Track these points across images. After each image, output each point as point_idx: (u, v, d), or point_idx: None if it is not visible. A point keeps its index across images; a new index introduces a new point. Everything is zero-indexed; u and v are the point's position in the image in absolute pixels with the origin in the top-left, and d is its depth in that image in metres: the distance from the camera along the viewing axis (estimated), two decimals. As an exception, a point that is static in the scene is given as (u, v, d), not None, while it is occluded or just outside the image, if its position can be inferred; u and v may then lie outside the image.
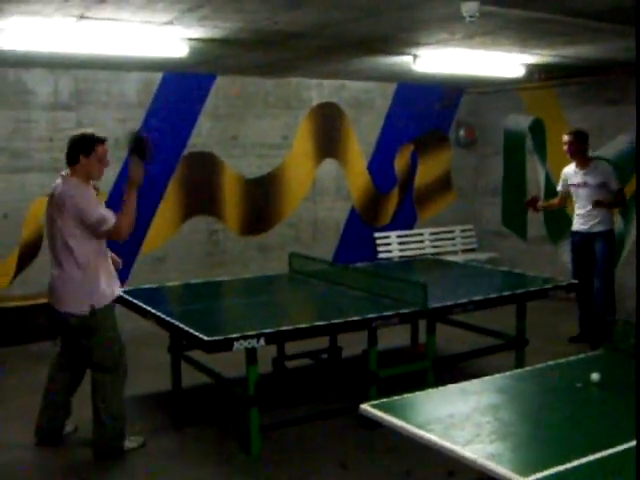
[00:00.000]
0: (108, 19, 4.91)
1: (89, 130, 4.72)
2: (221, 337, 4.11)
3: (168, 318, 4.64)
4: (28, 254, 7.43)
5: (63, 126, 7.51)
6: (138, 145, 4.65)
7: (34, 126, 7.41)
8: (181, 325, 4.41)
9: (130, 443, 4.72)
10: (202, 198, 8.27)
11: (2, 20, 4.91)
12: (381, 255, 9.31)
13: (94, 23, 5.01)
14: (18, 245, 7.37)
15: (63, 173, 4.60)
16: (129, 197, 4.55)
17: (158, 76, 7.89)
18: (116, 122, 7.72)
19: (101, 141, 4.58)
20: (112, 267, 4.73)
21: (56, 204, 4.47)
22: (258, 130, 8.55)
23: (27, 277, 7.42)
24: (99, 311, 4.52)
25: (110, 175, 7.70)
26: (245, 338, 4.13)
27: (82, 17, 4.83)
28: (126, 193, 4.58)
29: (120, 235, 4.52)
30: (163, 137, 7.97)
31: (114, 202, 7.65)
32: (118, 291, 4.74)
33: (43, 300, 7.17)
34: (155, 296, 5.65)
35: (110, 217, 4.45)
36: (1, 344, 7.18)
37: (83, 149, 4.51)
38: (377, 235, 9.40)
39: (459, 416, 2.91)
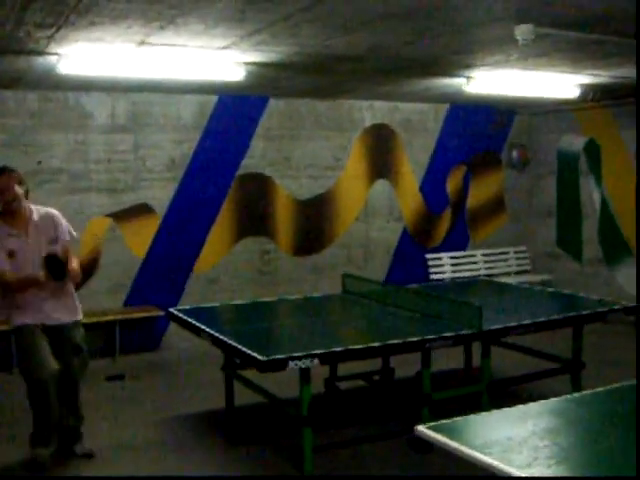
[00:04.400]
0: (167, 44, 5.02)
1: None
2: (276, 357, 4.15)
3: (223, 337, 4.68)
4: (85, 272, 7.56)
5: (120, 148, 7.69)
6: (52, 267, 4.62)
7: (92, 148, 7.60)
8: (236, 344, 4.45)
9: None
10: (255, 219, 8.36)
11: (65, 46, 5.07)
12: (433, 276, 9.27)
13: (154, 49, 5.14)
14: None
15: None
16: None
17: (213, 98, 8.03)
18: (172, 144, 7.88)
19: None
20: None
21: None
22: (310, 151, 8.63)
23: (83, 295, 7.54)
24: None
25: (164, 196, 7.87)
26: (299, 358, 4.16)
27: (142, 43, 4.95)
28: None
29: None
30: (217, 158, 8.10)
31: (169, 222, 7.85)
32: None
33: (97, 318, 7.39)
34: (209, 315, 5.70)
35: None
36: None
37: None
38: (429, 256, 9.37)
39: (516, 439, 2.88)
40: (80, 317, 4.95)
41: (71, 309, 4.87)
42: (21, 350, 4.78)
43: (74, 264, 4.71)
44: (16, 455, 4.95)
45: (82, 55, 5.34)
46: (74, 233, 4.96)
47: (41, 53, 5.31)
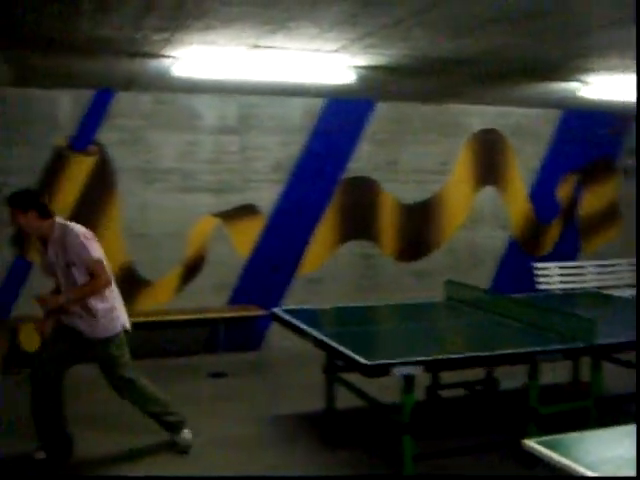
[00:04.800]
0: (279, 48, 5.07)
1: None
2: (380, 362, 4.11)
3: (327, 340, 4.68)
4: (191, 270, 7.77)
5: (228, 149, 7.84)
6: None
7: (202, 149, 7.77)
8: (340, 348, 4.44)
9: None
10: (359, 222, 8.35)
11: (179, 49, 5.19)
12: (540, 286, 9.00)
13: (265, 52, 5.20)
14: (181, 262, 7.71)
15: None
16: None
17: (320, 101, 8.06)
18: (279, 146, 7.97)
19: None
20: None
21: None
22: (417, 156, 8.54)
23: (190, 292, 7.76)
24: None
25: (270, 197, 7.96)
26: (404, 364, 4.11)
27: (254, 46, 5.01)
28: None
29: None
30: (323, 161, 8.13)
31: (274, 223, 7.94)
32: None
33: (202, 315, 7.56)
34: (311, 317, 5.70)
35: None
36: (162, 355, 7.52)
37: None
38: (537, 266, 9.11)
39: (628, 458, 2.75)
40: (103, 336, 4.74)
41: (92, 325, 4.73)
42: None
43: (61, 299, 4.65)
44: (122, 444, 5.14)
45: (195, 58, 5.46)
46: (92, 254, 4.56)
47: (156, 56, 5.46)
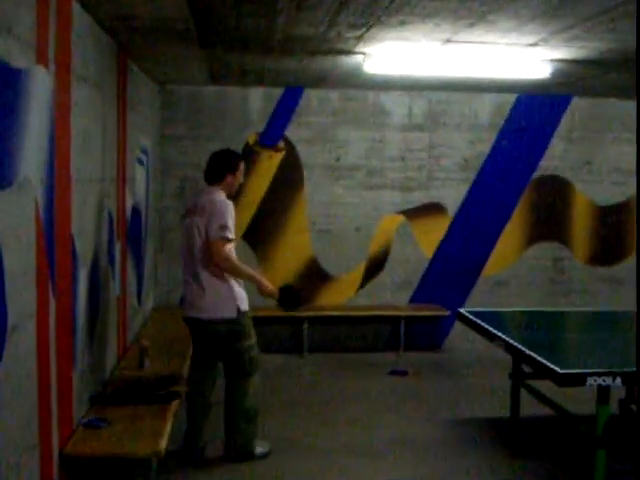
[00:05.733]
0: (473, 42, 4.94)
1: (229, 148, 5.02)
2: (575, 371, 3.93)
3: (516, 344, 4.52)
4: (374, 267, 7.79)
5: (415, 147, 7.78)
6: (287, 298, 4.81)
7: (388, 146, 7.77)
8: (531, 353, 4.27)
9: (260, 449, 4.79)
10: (549, 223, 8.01)
11: (372, 46, 5.18)
12: None
13: (459, 46, 5.08)
14: (366, 258, 7.75)
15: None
16: (252, 277, 4.67)
17: (511, 97, 7.82)
18: (467, 143, 7.81)
19: (242, 158, 4.83)
20: None
21: (200, 212, 4.53)
22: (615, 155, 8.06)
23: (371, 289, 7.78)
24: (243, 314, 4.60)
25: (456, 195, 7.82)
26: (599, 375, 3.89)
27: (448, 41, 4.91)
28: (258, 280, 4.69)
29: (220, 255, 4.42)
30: (513, 159, 7.88)
31: (460, 222, 7.79)
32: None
33: (384, 312, 7.57)
34: (499, 319, 5.56)
35: (232, 233, 4.48)
36: (343, 350, 7.60)
37: (230, 167, 4.69)
38: None
39: None
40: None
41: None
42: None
43: None
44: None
45: (387, 54, 5.44)
46: None
47: (348, 53, 5.48)
